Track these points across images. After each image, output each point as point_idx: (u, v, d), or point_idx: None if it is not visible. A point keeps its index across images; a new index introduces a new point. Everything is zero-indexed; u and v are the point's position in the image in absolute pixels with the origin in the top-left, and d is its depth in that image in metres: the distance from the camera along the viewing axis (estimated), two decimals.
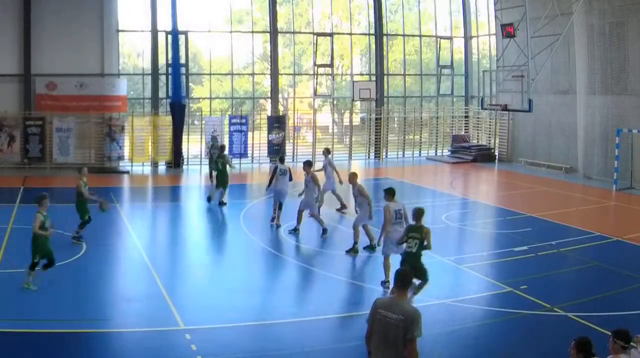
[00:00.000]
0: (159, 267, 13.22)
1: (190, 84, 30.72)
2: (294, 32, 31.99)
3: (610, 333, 6.46)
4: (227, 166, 19.93)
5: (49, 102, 26.02)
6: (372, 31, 32.37)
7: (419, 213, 10.97)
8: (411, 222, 11.19)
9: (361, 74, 33.99)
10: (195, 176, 26.72)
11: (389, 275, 11.85)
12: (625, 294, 11.77)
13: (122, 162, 27.40)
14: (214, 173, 20.63)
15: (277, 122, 29.43)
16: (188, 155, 28.70)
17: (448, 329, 10.14)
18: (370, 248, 14.52)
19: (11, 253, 13.74)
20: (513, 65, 24.94)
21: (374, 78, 31.81)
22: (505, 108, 25.56)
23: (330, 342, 9.68)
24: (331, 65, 31.81)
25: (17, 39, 25.81)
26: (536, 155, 29.04)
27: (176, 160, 27.53)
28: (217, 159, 20.13)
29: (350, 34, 32.90)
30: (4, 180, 23.25)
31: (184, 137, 27.99)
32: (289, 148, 29.97)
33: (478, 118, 33.76)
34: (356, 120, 34.46)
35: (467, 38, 34.00)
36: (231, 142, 28.57)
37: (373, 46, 32.40)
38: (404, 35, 33.40)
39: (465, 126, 34.01)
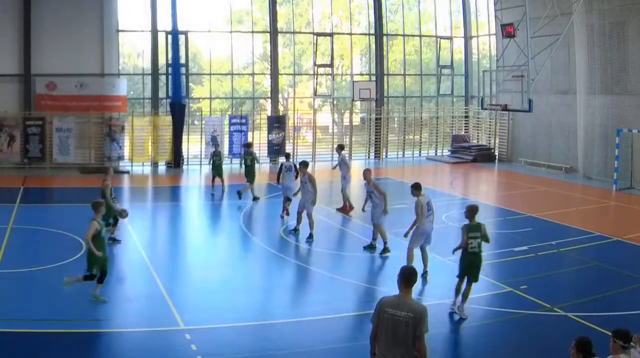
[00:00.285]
0: (159, 267, 13.22)
1: (190, 84, 30.72)
2: (294, 32, 31.99)
3: (610, 333, 6.46)
4: (255, 162, 20.88)
5: (49, 102, 26.03)
6: (372, 31, 32.37)
7: (474, 210, 10.75)
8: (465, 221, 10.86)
9: (361, 74, 33.99)
10: (195, 176, 26.72)
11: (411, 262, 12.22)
12: (625, 294, 11.77)
13: (122, 162, 27.42)
14: (242, 169, 21.11)
15: (277, 122, 29.43)
16: (188, 155, 28.70)
17: (448, 329, 10.15)
18: (371, 247, 14.51)
19: (11, 253, 13.74)
20: (513, 65, 24.94)
21: (374, 78, 31.81)
22: (505, 108, 25.56)
23: (330, 342, 9.67)
24: (331, 65, 31.81)
25: (17, 39, 25.81)
26: (536, 155, 29.04)
27: (176, 160, 27.54)
28: (246, 156, 21.10)
29: (350, 34, 32.90)
30: (4, 180, 23.26)
31: (184, 137, 27.99)
32: (289, 148, 29.94)
33: (478, 118, 33.76)
34: (356, 120, 34.46)
35: (467, 38, 34.00)
36: (231, 142, 28.59)
37: (373, 46, 32.40)
38: (404, 35, 33.40)
39: (465, 126, 34.01)
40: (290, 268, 13.84)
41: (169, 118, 27.33)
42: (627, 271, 13.11)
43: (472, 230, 10.53)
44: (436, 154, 33.05)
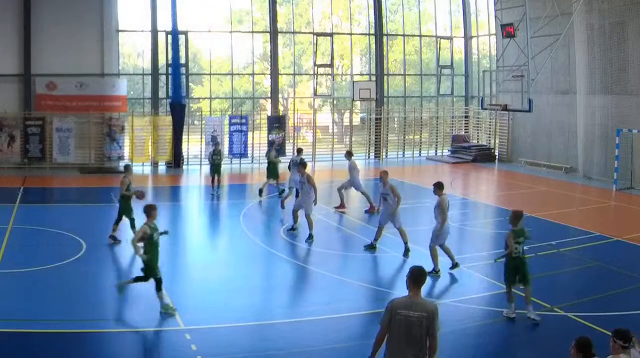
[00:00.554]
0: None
1: (190, 84, 30.72)
2: (294, 32, 31.99)
3: (610, 333, 6.46)
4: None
5: (49, 102, 26.03)
6: (372, 31, 32.36)
7: (520, 216, 10.71)
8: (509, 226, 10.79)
9: (361, 74, 33.99)
10: (195, 176, 26.72)
11: (438, 264, 12.64)
12: (625, 294, 11.77)
13: (122, 162, 27.38)
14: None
15: (277, 122, 29.43)
16: (188, 155, 28.70)
17: (448, 329, 10.12)
18: (371, 247, 14.51)
19: (11, 253, 13.73)
20: (513, 65, 24.94)
21: (374, 78, 31.81)
22: (505, 108, 25.57)
23: (331, 342, 9.67)
24: (331, 65, 31.81)
25: (17, 39, 25.82)
26: (536, 155, 29.04)
27: (176, 160, 27.53)
28: (270, 154, 21.63)
29: (350, 34, 32.91)
30: (4, 180, 23.25)
31: (184, 137, 27.99)
32: (289, 148, 29.95)
33: (478, 118, 33.76)
34: (356, 120, 34.46)
35: (467, 38, 34.00)
36: (231, 142, 28.59)
37: (373, 46, 32.40)
38: (404, 35, 33.41)
39: (465, 126, 34.01)
40: (290, 268, 13.84)
41: (169, 118, 27.33)
42: (627, 271, 13.11)
43: (518, 235, 10.57)
44: (436, 154, 33.05)
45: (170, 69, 27.70)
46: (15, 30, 25.77)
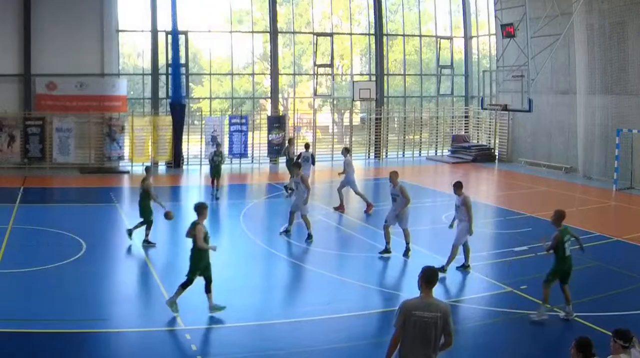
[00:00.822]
0: (159, 267, 13.22)
1: (190, 84, 30.72)
2: (294, 32, 31.99)
3: (610, 333, 6.46)
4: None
5: (49, 102, 26.03)
6: (372, 31, 32.37)
7: (563, 215, 10.63)
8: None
9: (361, 74, 33.99)
10: (195, 176, 26.72)
11: (469, 259, 12.93)
12: (625, 294, 11.77)
13: (122, 162, 27.42)
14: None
15: (277, 122, 29.43)
16: (188, 155, 28.70)
17: None
18: (386, 251, 14.15)
19: (11, 253, 13.73)
20: (513, 65, 24.94)
21: (374, 78, 31.81)
22: (505, 108, 25.57)
23: (331, 342, 9.67)
24: (331, 65, 31.81)
25: (17, 39, 25.82)
26: (536, 155, 29.04)
27: (176, 160, 27.53)
28: (289, 149, 21.95)
29: (350, 34, 32.91)
30: (4, 180, 23.26)
31: (184, 137, 27.98)
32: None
33: (478, 118, 33.76)
34: (356, 120, 34.46)
35: (467, 38, 34.00)
36: (231, 142, 28.59)
37: (373, 46, 32.40)
38: (404, 35, 33.41)
39: (465, 126, 34.01)
40: (290, 268, 13.85)
41: (169, 118, 27.33)
42: (627, 271, 13.11)
43: (567, 233, 10.53)
44: (436, 154, 33.05)
45: (170, 69, 27.70)
46: (15, 30, 25.77)
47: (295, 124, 30.95)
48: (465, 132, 33.67)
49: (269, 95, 31.21)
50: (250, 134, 28.85)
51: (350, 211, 19.16)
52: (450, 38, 34.13)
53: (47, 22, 25.92)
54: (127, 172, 26.70)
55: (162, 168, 27.93)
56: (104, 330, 9.76)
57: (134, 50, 31.05)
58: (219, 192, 21.06)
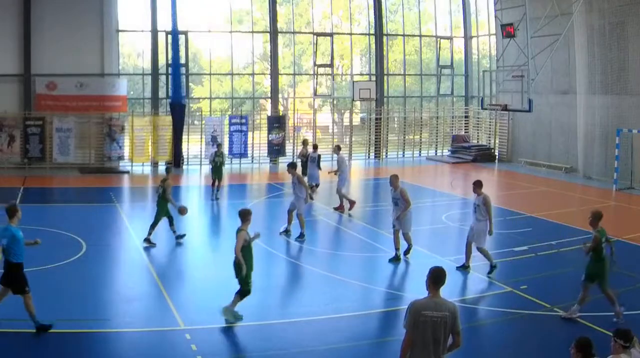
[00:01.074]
0: (159, 267, 13.22)
1: (190, 84, 30.72)
2: (294, 32, 31.99)
3: (610, 333, 6.46)
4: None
5: (49, 102, 26.03)
6: (372, 31, 32.37)
7: (600, 216, 10.47)
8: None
9: (361, 74, 33.99)
10: (195, 176, 26.72)
11: (470, 260, 12.93)
12: (626, 294, 11.74)
13: (122, 162, 27.42)
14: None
15: (277, 122, 29.42)
16: (188, 155, 28.69)
17: None
18: (396, 259, 13.80)
19: None
20: (513, 65, 24.95)
21: (374, 78, 31.81)
22: (505, 108, 25.57)
23: (331, 342, 9.67)
24: (331, 65, 31.81)
25: (17, 39, 25.82)
26: (536, 155, 29.04)
27: (176, 160, 27.50)
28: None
29: (350, 34, 32.91)
30: (4, 180, 23.25)
31: (184, 137, 27.97)
32: (289, 148, 29.97)
33: (478, 118, 33.76)
34: (356, 120, 34.47)
35: (467, 38, 34.01)
36: (231, 142, 28.58)
37: (373, 46, 32.40)
38: (404, 35, 33.41)
39: (465, 126, 34.02)
40: (290, 268, 13.85)
41: (169, 118, 27.30)
42: (627, 271, 13.09)
43: (603, 234, 10.38)
44: (436, 154, 33.06)
45: (170, 69, 27.68)
46: (15, 30, 25.77)
47: (295, 124, 30.96)
48: (465, 132, 33.67)
49: (269, 95, 31.21)
50: (250, 134, 28.85)
51: (350, 211, 19.15)
52: (450, 38, 34.13)
53: (47, 22, 25.93)
54: (127, 172, 26.71)
55: (162, 168, 27.91)
56: (104, 330, 9.76)
57: (134, 50, 31.06)
58: (219, 193, 21.06)
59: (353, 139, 32.22)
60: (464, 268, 12.96)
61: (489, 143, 32.53)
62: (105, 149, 26.86)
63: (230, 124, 28.77)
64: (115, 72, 27.74)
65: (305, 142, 23.04)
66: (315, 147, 21.42)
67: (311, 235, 15.93)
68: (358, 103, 32.16)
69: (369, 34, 32.62)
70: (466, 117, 34.04)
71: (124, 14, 28.07)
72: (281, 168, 28.35)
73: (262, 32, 31.18)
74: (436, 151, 33.35)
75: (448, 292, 11.59)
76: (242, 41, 31.21)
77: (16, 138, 25.80)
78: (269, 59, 30.87)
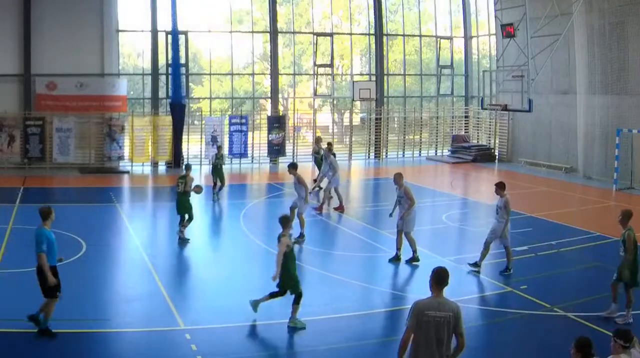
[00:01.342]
0: (159, 267, 13.22)
1: (190, 84, 30.72)
2: (294, 32, 31.99)
3: (610, 334, 6.46)
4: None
5: (49, 102, 26.03)
6: (372, 31, 32.37)
7: (630, 215, 10.34)
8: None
9: (361, 74, 33.99)
10: (195, 176, 26.62)
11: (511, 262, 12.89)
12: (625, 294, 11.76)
13: (122, 162, 27.42)
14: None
15: (277, 122, 29.42)
16: (188, 155, 28.68)
17: None
18: (396, 259, 13.73)
19: (11, 253, 13.73)
20: (513, 65, 24.95)
21: (374, 78, 31.81)
22: (505, 108, 25.57)
23: (331, 342, 9.68)
24: (331, 65, 31.81)
25: (17, 39, 25.82)
26: (536, 155, 29.04)
27: (176, 160, 27.52)
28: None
29: (350, 34, 32.91)
30: (4, 180, 23.26)
31: (184, 137, 27.98)
32: (289, 148, 29.97)
33: (478, 118, 33.76)
34: (356, 120, 34.47)
35: (467, 38, 34.00)
36: (231, 142, 28.58)
37: (373, 46, 32.40)
38: (404, 35, 33.41)
39: (465, 126, 34.02)
40: None
41: (169, 118, 27.32)
42: None
43: (632, 232, 10.26)
44: (436, 154, 33.05)
45: (170, 69, 27.69)
46: (15, 30, 25.77)
47: (295, 124, 30.96)
48: (465, 132, 33.67)
49: (269, 95, 31.21)
50: (250, 134, 28.85)
51: (350, 211, 19.16)
52: (450, 38, 34.13)
53: (47, 22, 25.92)
54: (127, 172, 26.70)
55: (162, 168, 27.93)
56: (104, 330, 9.76)
57: (134, 50, 31.06)
58: (219, 193, 20.99)
59: (353, 139, 32.22)
60: (474, 266, 12.89)
61: (489, 143, 32.53)
62: (105, 149, 26.86)
63: (230, 124, 28.77)
64: (115, 72, 27.74)
65: (318, 140, 23.04)
66: (329, 144, 21.79)
67: (311, 235, 15.91)
68: (358, 103, 32.17)
69: (369, 34, 32.62)
70: (466, 117, 34.05)
71: (124, 14, 28.07)
72: (281, 168, 28.36)
73: (262, 32, 31.18)
74: (436, 151, 33.35)
75: (448, 292, 11.64)
76: (242, 41, 31.21)
77: (16, 138, 25.79)
78: (269, 59, 30.88)
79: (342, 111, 34.58)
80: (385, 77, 32.31)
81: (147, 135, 27.46)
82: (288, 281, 10.00)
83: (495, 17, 27.63)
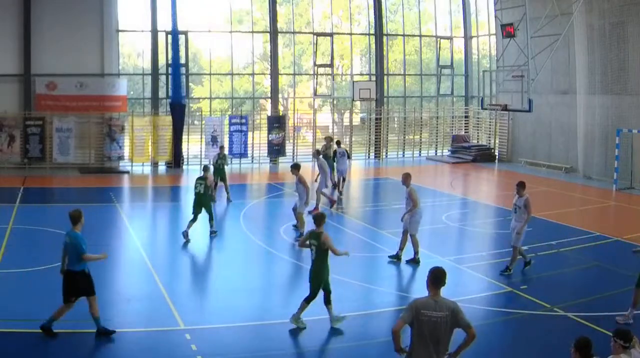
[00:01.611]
0: (159, 267, 13.21)
1: (190, 84, 30.72)
2: (294, 32, 31.99)
3: (610, 334, 6.46)
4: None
5: (49, 102, 26.03)
6: (372, 31, 32.37)
7: None
8: None
9: (361, 74, 33.99)
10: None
11: (526, 256, 13.07)
12: (626, 294, 11.71)
13: (122, 162, 27.42)
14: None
15: (277, 122, 29.43)
16: (188, 155, 28.70)
17: None
18: (396, 258, 13.75)
19: (11, 253, 13.73)
20: (513, 65, 24.94)
21: (374, 78, 31.81)
22: (505, 108, 25.57)
23: (331, 342, 9.67)
24: (331, 65, 31.81)
25: (17, 39, 25.83)
26: (536, 155, 29.04)
27: (176, 160, 27.53)
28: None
29: (350, 34, 32.91)
30: (4, 180, 23.26)
31: (184, 137, 27.99)
32: (289, 148, 29.97)
33: (478, 118, 33.76)
34: (356, 120, 34.46)
35: (467, 38, 34.01)
36: (231, 142, 28.57)
37: (373, 46, 32.41)
38: (404, 35, 33.41)
39: (465, 126, 34.02)
40: (290, 268, 13.83)
41: (169, 118, 27.34)
42: (627, 271, 13.08)
43: None
44: (436, 154, 33.06)
45: (170, 69, 27.71)
46: (15, 30, 25.77)
47: (295, 124, 30.96)
48: (465, 132, 33.67)
49: (269, 95, 31.22)
50: (250, 134, 28.85)
51: (350, 211, 19.17)
52: (450, 38, 34.13)
53: (47, 22, 25.92)
54: (127, 172, 26.70)
55: (162, 168, 27.94)
56: None
57: (134, 50, 31.05)
58: (226, 193, 20.86)
59: (353, 139, 32.22)
60: (506, 270, 12.76)
61: (489, 143, 32.53)
62: (105, 149, 26.86)
63: (230, 124, 28.77)
64: (115, 72, 27.74)
65: (329, 139, 23.17)
66: (338, 143, 22.45)
67: None
68: (358, 103, 32.16)
69: (369, 34, 32.62)
70: (466, 117, 34.05)
71: (124, 14, 28.08)
72: (281, 168, 28.36)
73: (262, 32, 31.18)
74: (436, 151, 33.35)
75: (448, 292, 11.64)
76: (242, 41, 31.21)
77: (16, 138, 25.79)
78: (269, 59, 30.88)
79: (342, 111, 34.58)
80: (385, 77, 32.32)
81: (147, 135, 27.46)
82: (315, 278, 9.97)
83: (495, 17, 27.63)
